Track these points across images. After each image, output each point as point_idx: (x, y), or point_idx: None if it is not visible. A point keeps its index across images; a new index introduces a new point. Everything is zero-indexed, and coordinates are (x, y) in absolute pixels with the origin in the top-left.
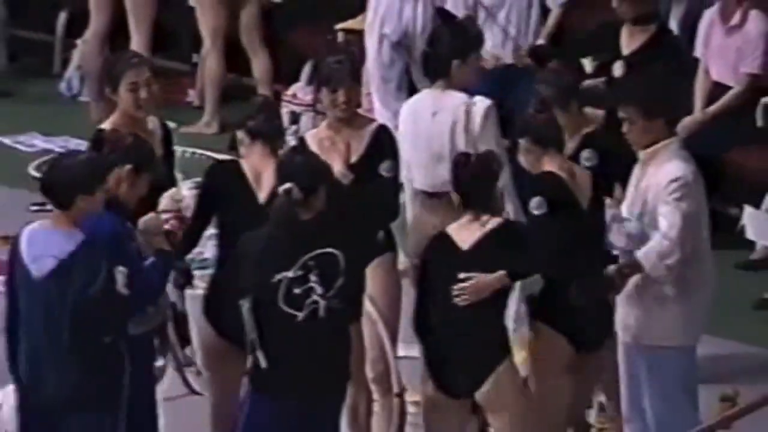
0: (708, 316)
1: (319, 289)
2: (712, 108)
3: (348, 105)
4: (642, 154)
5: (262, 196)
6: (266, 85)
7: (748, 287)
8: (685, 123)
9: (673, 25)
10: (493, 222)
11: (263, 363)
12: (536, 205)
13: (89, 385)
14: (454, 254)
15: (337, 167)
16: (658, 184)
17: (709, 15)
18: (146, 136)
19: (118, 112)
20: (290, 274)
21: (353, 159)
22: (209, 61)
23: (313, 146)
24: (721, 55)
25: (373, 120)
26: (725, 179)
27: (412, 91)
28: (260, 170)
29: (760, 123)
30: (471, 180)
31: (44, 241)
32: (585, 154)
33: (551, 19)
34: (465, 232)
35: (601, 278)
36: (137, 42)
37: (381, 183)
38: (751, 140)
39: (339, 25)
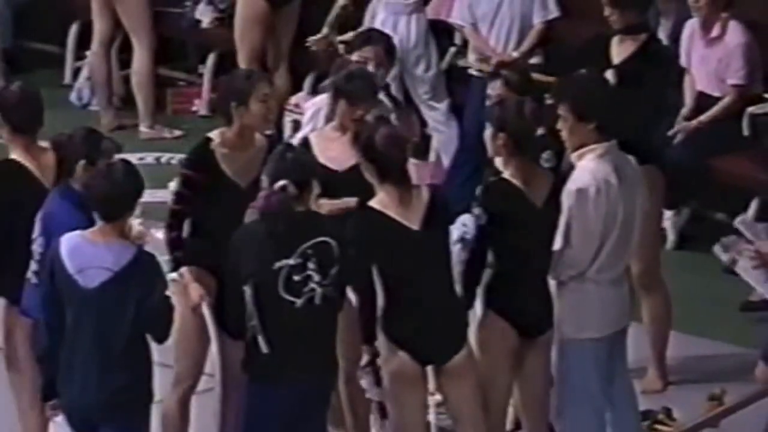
0: (604, 316)
1: (316, 277)
2: (704, 117)
3: (363, 117)
4: (573, 157)
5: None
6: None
7: (735, 290)
8: (679, 128)
9: (662, 37)
10: (424, 194)
11: (264, 348)
12: (477, 215)
13: (133, 390)
14: (407, 235)
15: (341, 167)
16: (567, 189)
17: (690, 27)
18: (252, 154)
19: (236, 126)
20: (291, 261)
21: (354, 160)
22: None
23: (316, 145)
24: (703, 66)
25: None
26: (712, 186)
27: (406, 100)
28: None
29: (746, 132)
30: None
31: (91, 253)
32: (545, 155)
33: (529, 39)
34: (403, 210)
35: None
36: (140, 53)
37: None
38: (737, 148)
39: (339, 38)
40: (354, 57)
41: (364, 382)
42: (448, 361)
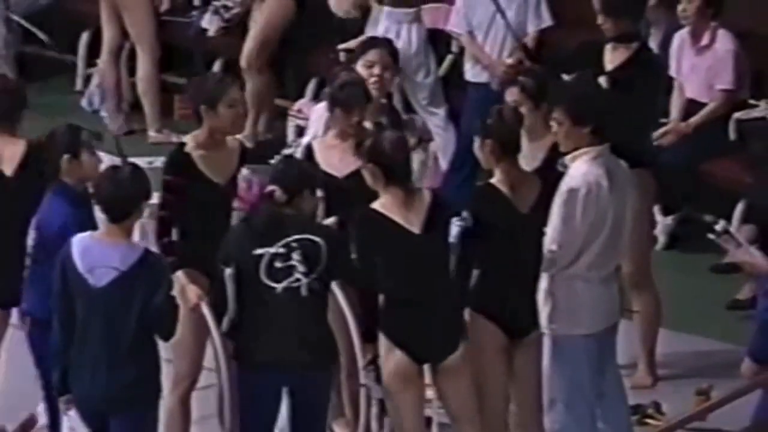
0: (595, 311)
1: (301, 268)
2: (691, 120)
3: (360, 123)
4: (566, 159)
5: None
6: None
7: (722, 288)
8: (667, 134)
9: (653, 46)
10: (425, 197)
11: (225, 327)
12: (464, 218)
13: (141, 384)
14: (407, 238)
15: (341, 173)
16: (560, 189)
17: (680, 36)
18: (226, 154)
19: (205, 128)
20: (272, 249)
21: (354, 166)
22: (258, 84)
23: (318, 152)
24: (693, 74)
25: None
26: (700, 188)
27: (406, 107)
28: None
29: (732, 136)
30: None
31: (100, 253)
32: (561, 161)
33: (528, 44)
34: (405, 213)
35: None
36: (143, 61)
37: None
38: (724, 152)
39: (341, 46)
40: (359, 63)
41: (367, 381)
42: (443, 359)
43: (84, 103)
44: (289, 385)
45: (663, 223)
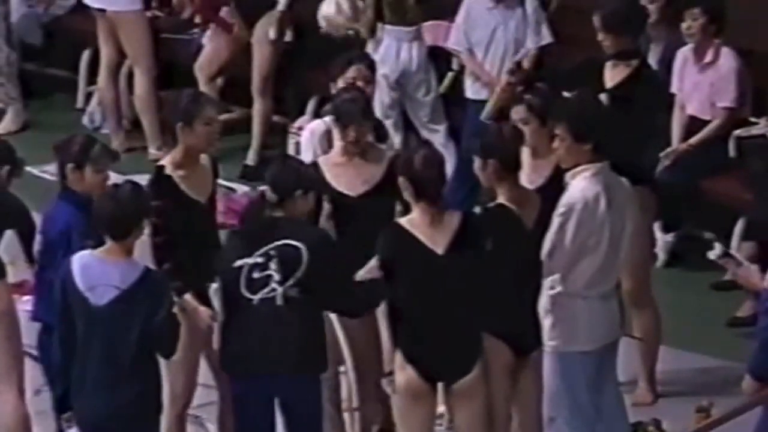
0: (595, 328)
1: (277, 277)
2: (694, 139)
3: (357, 140)
4: (568, 175)
5: None
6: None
7: (722, 306)
8: (668, 153)
9: (652, 62)
10: (455, 218)
11: (215, 344)
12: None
13: (142, 402)
14: (429, 258)
15: (355, 192)
16: (559, 204)
17: (683, 54)
18: (200, 171)
19: (181, 147)
20: (250, 260)
21: (368, 186)
22: (263, 103)
23: (326, 170)
24: (696, 91)
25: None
26: (700, 206)
27: (407, 124)
28: None
29: (732, 153)
30: (425, 170)
31: (101, 271)
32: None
33: (526, 62)
34: (431, 232)
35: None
36: (140, 79)
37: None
38: (724, 170)
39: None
40: (340, 82)
41: (388, 390)
42: (455, 381)
43: (85, 120)
44: (277, 395)
45: (663, 240)
